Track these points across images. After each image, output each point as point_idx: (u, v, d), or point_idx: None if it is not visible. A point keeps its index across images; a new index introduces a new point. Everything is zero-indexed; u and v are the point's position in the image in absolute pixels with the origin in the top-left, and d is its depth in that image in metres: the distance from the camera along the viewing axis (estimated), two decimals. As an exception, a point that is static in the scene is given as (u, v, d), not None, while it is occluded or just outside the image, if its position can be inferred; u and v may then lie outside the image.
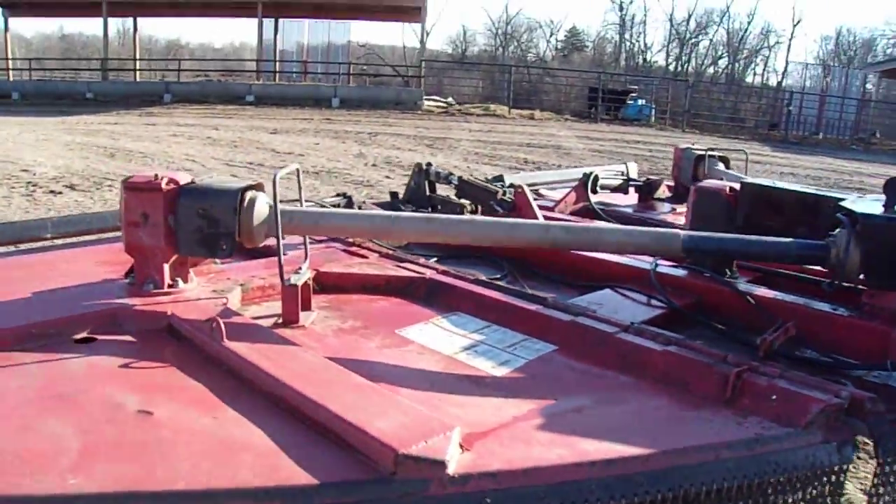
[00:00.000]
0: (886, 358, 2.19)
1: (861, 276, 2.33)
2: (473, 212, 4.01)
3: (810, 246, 2.41)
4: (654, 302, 2.65)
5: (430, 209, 4.12)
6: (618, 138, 19.03)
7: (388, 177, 9.14)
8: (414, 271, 2.84)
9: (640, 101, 34.22)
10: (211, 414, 1.72)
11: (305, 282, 2.38)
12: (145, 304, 2.30)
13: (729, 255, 2.65)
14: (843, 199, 2.62)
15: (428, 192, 4.19)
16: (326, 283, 2.72)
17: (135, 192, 2.32)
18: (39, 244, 3.07)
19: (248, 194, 2.33)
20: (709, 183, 3.20)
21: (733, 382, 1.94)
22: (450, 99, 26.18)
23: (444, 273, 2.81)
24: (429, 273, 2.80)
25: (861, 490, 1.89)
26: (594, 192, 4.64)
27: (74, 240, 3.17)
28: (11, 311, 2.18)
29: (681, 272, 2.83)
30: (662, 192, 5.24)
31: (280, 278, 2.32)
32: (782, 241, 2.46)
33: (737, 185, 3.00)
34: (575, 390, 2.01)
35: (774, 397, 1.90)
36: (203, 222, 2.29)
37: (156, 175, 2.34)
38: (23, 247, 3.13)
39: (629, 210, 4.76)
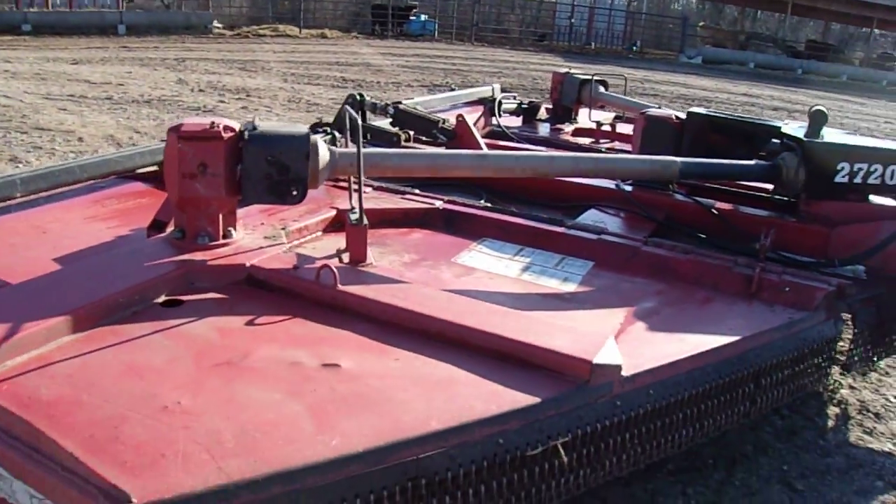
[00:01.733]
0: (827, 254, 2.84)
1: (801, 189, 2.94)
2: (408, 140, 4.12)
3: (766, 167, 2.98)
4: (637, 219, 3.08)
5: (366, 138, 4.14)
6: (419, 54, 19.33)
7: (222, 101, 8.66)
8: (422, 202, 2.98)
9: (422, 17, 34.64)
10: (390, 357, 1.83)
11: (363, 221, 2.44)
12: (215, 259, 2.23)
13: (712, 177, 3.14)
14: (774, 126, 3.22)
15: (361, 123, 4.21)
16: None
17: (192, 141, 2.19)
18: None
19: (312, 139, 2.32)
20: (656, 112, 3.66)
21: (757, 280, 2.44)
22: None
23: (452, 202, 2.99)
24: (437, 203, 2.97)
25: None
26: (499, 115, 4.95)
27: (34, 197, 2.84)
28: (77, 284, 2.01)
29: (648, 192, 3.27)
30: (542, 113, 5.71)
31: (352, 220, 2.33)
32: (748, 164, 3.01)
33: (682, 114, 3.49)
34: (638, 298, 2.38)
35: (787, 289, 2.44)
36: (272, 170, 2.24)
37: (212, 123, 2.23)
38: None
39: (531, 132, 5.14)
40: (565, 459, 1.68)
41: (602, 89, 5.33)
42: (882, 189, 2.90)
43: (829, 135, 2.98)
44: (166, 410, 1.52)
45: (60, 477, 1.36)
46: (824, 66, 26.04)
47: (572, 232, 2.77)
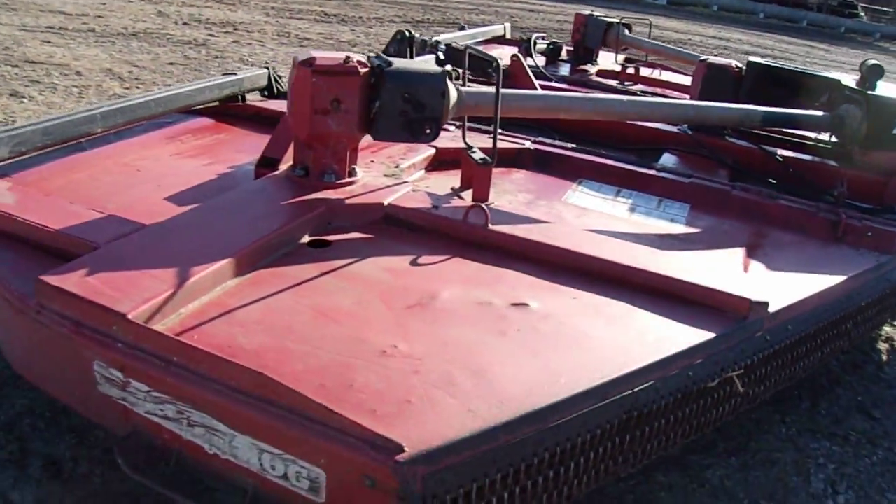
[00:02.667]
0: (883, 202, 3.01)
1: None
2: (457, 79, 4.08)
3: (832, 117, 3.10)
4: (709, 163, 3.17)
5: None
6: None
7: (211, 35, 8.32)
8: (512, 142, 3.00)
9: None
10: (567, 296, 1.89)
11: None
12: (351, 197, 2.24)
13: (785, 125, 3.22)
14: (832, 79, 3.33)
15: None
16: (445, 160, 2.80)
17: (327, 76, 2.16)
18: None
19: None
20: (715, 60, 3.71)
21: (843, 225, 2.59)
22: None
23: (540, 143, 3.03)
24: (527, 144, 3.00)
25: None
26: (534, 55, 4.94)
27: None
28: (222, 226, 1.99)
29: (713, 137, 3.36)
30: (563, 54, 5.71)
31: (478, 159, 2.36)
32: (816, 114, 3.13)
33: (741, 64, 3.56)
34: (744, 240, 2.49)
35: (870, 233, 2.59)
36: (409, 107, 2.23)
37: (347, 57, 2.20)
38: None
39: (555, 72, 5.13)
40: (741, 389, 1.81)
41: (627, 32, 5.35)
42: None
43: (882, 88, 3.12)
44: (386, 355, 1.54)
45: (305, 429, 1.32)
46: (786, 10, 26.39)
47: (665, 175, 2.86)
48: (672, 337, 1.75)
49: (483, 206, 2.14)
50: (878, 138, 3.05)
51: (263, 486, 1.44)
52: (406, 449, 1.27)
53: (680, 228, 2.53)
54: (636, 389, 1.58)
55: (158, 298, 1.58)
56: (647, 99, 2.92)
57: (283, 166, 2.42)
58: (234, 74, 3.32)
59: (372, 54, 2.33)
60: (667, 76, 5.28)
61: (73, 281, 1.61)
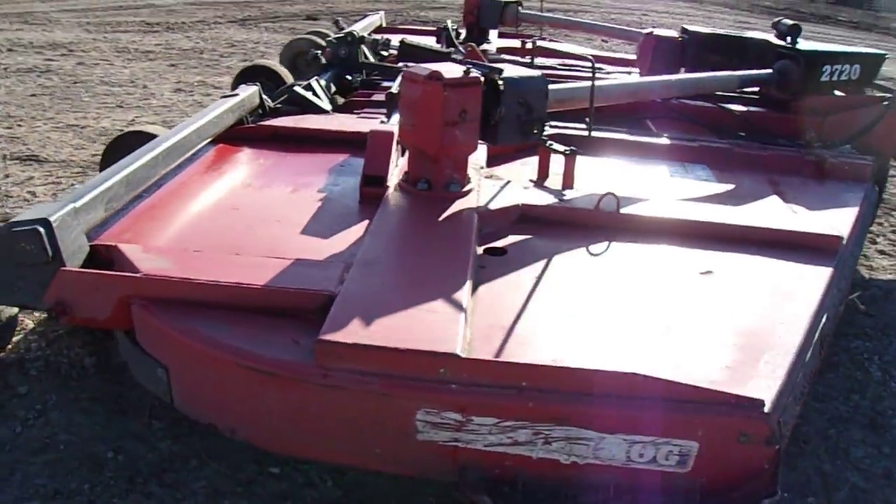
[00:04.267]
0: (821, 140, 3.61)
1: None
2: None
3: (775, 74, 3.61)
4: (687, 125, 3.55)
5: (362, 75, 4.05)
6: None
7: (51, 59, 7.12)
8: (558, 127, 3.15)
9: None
10: (720, 258, 2.16)
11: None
12: (487, 203, 2.30)
13: (751, 85, 3.65)
14: (763, 40, 3.86)
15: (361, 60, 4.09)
16: (492, 155, 2.89)
17: (456, 88, 2.19)
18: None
19: None
20: (660, 32, 4.09)
21: (829, 164, 3.11)
22: None
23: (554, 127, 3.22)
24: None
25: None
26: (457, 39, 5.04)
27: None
28: (420, 252, 2.02)
29: (679, 104, 3.73)
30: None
31: (565, 151, 2.51)
32: (764, 73, 3.62)
33: (680, 33, 4.00)
34: (768, 188, 2.90)
35: (847, 167, 3.15)
36: (522, 111, 2.33)
37: (467, 69, 2.24)
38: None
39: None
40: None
41: (519, 9, 5.64)
42: (847, 84, 3.72)
43: (803, 44, 3.72)
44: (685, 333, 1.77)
45: (680, 412, 1.50)
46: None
47: (677, 142, 3.20)
48: (812, 274, 2.10)
49: (612, 193, 2.31)
50: (812, 85, 3.61)
51: (625, 476, 1.55)
52: (766, 402, 1.51)
53: (719, 187, 2.86)
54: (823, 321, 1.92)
55: (462, 333, 1.59)
56: (680, 77, 3.19)
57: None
58: (236, 95, 3.10)
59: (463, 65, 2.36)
60: (567, 47, 5.67)
61: (363, 334, 1.56)
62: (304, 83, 3.55)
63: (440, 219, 2.19)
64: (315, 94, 3.50)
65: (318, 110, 3.38)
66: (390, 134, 2.47)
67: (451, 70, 2.23)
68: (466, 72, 2.23)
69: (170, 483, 1.95)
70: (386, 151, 2.42)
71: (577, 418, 1.50)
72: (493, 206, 2.30)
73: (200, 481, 1.96)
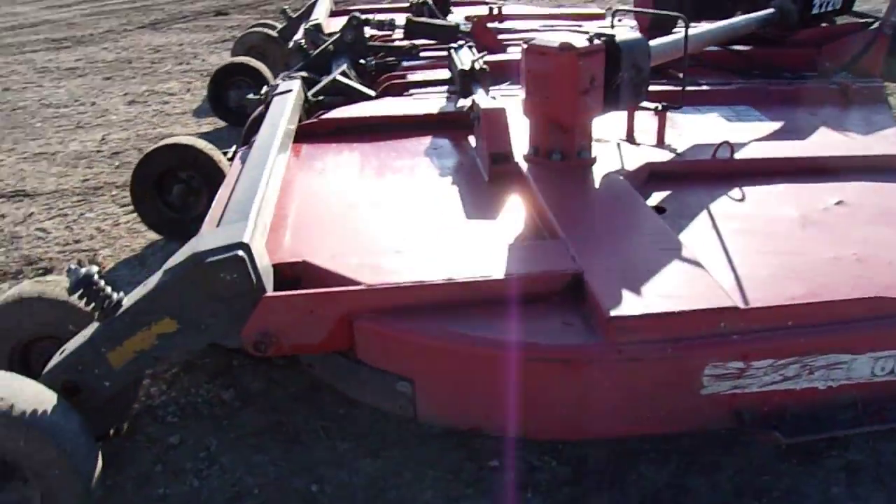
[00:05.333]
0: (816, 67, 3.89)
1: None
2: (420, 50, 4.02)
3: (776, 13, 3.82)
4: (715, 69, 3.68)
5: (371, 57, 3.95)
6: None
7: None
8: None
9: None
10: (845, 188, 2.32)
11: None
12: (624, 166, 2.35)
13: (760, 27, 3.71)
14: None
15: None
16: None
17: (587, 56, 2.22)
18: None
19: None
20: None
21: (852, 90, 3.36)
22: None
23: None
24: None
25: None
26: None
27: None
28: (609, 223, 2.05)
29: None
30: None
31: (657, 108, 2.60)
32: (767, 13, 3.80)
33: None
34: (816, 120, 3.11)
35: (866, 91, 3.41)
36: (634, 73, 2.38)
37: (591, 37, 2.26)
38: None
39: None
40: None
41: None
42: (832, 14, 4.00)
43: None
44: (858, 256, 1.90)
45: None
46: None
47: (718, 87, 3.35)
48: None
49: (727, 141, 2.41)
50: (807, 19, 3.86)
51: (870, 390, 1.69)
52: None
53: (774, 124, 3.01)
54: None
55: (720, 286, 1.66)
56: (719, 25, 3.28)
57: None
58: (289, 92, 2.97)
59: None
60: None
61: (644, 305, 1.59)
62: (339, 71, 3.43)
63: (598, 186, 2.22)
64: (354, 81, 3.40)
65: (364, 97, 3.28)
66: (504, 110, 2.46)
67: (576, 39, 2.24)
68: (590, 40, 2.26)
69: (394, 499, 1.90)
70: (505, 128, 2.41)
71: (836, 345, 1.63)
72: (628, 167, 2.36)
73: (425, 492, 1.91)
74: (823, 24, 3.96)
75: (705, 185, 2.34)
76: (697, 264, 1.75)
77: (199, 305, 1.64)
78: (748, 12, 3.86)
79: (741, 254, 1.89)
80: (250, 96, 4.18)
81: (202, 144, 3.13)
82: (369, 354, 1.69)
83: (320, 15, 5.09)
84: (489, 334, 1.60)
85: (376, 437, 2.09)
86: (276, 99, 2.94)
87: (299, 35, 4.99)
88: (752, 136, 2.82)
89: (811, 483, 1.89)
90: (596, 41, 2.26)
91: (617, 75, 2.33)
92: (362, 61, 3.85)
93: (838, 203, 2.21)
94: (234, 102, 4.61)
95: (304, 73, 3.62)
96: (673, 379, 1.60)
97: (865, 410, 1.70)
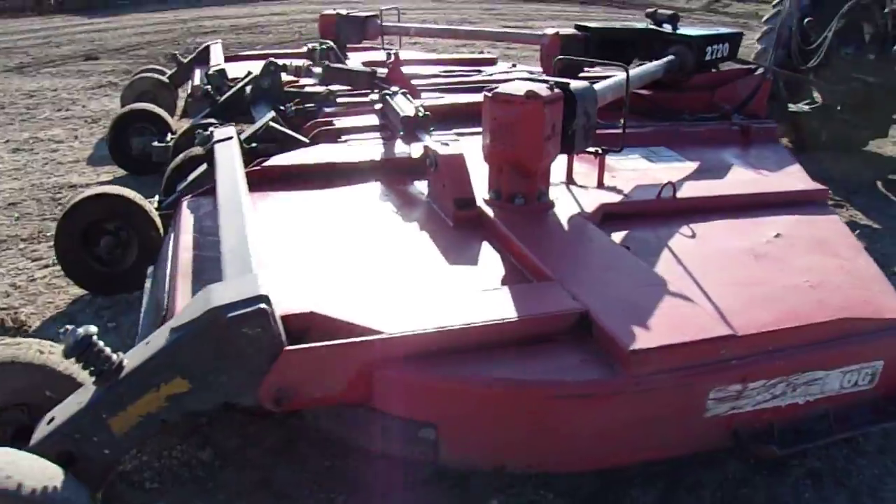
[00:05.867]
0: (712, 109, 4.28)
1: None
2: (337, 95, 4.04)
3: (675, 60, 4.20)
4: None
5: (287, 104, 3.92)
6: None
7: None
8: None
9: None
10: (777, 223, 2.58)
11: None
12: (576, 210, 2.48)
13: (667, 74, 4.04)
14: (651, 29, 4.41)
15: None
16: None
17: (551, 104, 2.34)
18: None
19: None
20: (565, 31, 4.42)
21: (752, 131, 3.72)
22: None
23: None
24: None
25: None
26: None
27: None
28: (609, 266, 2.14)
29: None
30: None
31: (606, 151, 2.78)
32: (668, 61, 4.16)
33: (584, 32, 4.41)
34: (726, 158, 3.43)
35: (762, 132, 3.78)
36: (585, 119, 2.52)
37: (550, 85, 2.39)
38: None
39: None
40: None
41: (378, 22, 5.72)
42: (721, 60, 4.39)
43: (684, 29, 4.34)
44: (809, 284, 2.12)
45: (874, 340, 1.88)
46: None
47: (638, 130, 3.60)
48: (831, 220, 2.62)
49: (671, 182, 2.61)
50: (702, 65, 4.22)
51: (836, 402, 1.89)
52: None
53: (692, 164, 3.26)
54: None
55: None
56: (636, 71, 3.50)
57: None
58: (230, 139, 2.88)
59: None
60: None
61: (655, 337, 1.68)
62: (269, 117, 3.38)
63: (567, 228, 2.33)
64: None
65: (299, 144, 3.25)
66: (463, 157, 2.52)
67: (538, 88, 2.36)
68: (551, 88, 2.39)
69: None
70: (466, 173, 2.47)
71: (814, 363, 1.82)
72: (586, 210, 2.49)
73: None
74: (713, 70, 4.37)
75: (656, 224, 2.51)
76: (686, 298, 1.88)
77: (215, 363, 1.55)
78: (645, 59, 4.21)
79: (711, 286, 2.04)
80: (156, 143, 4.13)
81: (132, 194, 2.97)
82: (389, 403, 1.66)
83: (220, 60, 4.99)
84: (514, 375, 1.63)
85: (374, 486, 2.05)
86: (219, 146, 2.85)
87: (197, 80, 4.89)
88: (677, 175, 3.05)
89: (784, 490, 2.07)
90: (556, 89, 2.39)
91: (573, 122, 2.47)
92: (282, 108, 3.82)
93: (777, 236, 2.45)
94: (136, 150, 4.42)
95: (211, 120, 3.55)
96: (682, 405, 1.71)
97: (835, 420, 1.89)
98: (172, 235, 2.57)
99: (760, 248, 2.36)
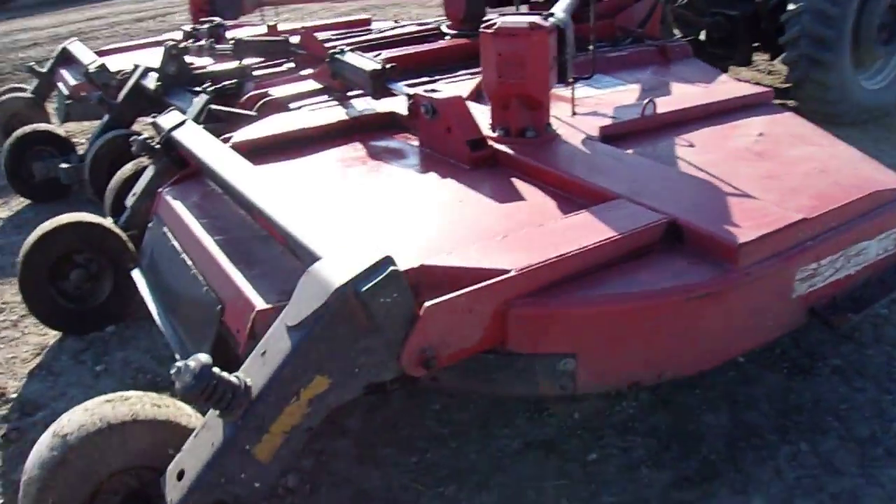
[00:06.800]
0: (616, 34, 4.45)
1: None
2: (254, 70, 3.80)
3: None
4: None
5: (207, 83, 3.62)
6: None
7: None
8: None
9: None
10: (763, 123, 2.76)
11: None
12: (578, 129, 2.52)
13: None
14: None
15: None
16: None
17: (552, 33, 2.35)
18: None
19: None
20: None
21: (669, 50, 3.92)
22: None
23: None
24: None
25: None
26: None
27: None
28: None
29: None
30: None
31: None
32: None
33: None
34: (664, 75, 3.60)
35: (678, 49, 4.00)
36: (571, 49, 2.52)
37: (545, 16, 2.38)
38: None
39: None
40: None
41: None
42: None
43: None
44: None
45: None
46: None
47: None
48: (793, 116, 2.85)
49: (651, 99, 2.70)
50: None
51: (874, 268, 2.09)
52: None
53: (636, 86, 3.37)
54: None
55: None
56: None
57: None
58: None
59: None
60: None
61: (747, 230, 1.77)
62: (205, 100, 3.11)
63: (589, 153, 2.36)
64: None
65: (248, 119, 3.01)
66: (462, 98, 2.47)
67: (536, 19, 2.35)
68: (545, 19, 2.38)
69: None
70: (470, 114, 2.43)
71: (862, 235, 2.00)
72: (590, 134, 2.53)
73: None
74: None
75: (653, 139, 2.60)
76: (743, 193, 1.99)
77: (353, 346, 1.43)
78: None
79: (744, 183, 2.14)
80: (64, 165, 3.74)
81: (107, 222, 2.69)
82: (525, 342, 1.63)
83: (93, 57, 4.47)
84: (647, 287, 1.65)
85: (476, 468, 2.05)
86: (179, 133, 2.57)
87: (71, 81, 4.41)
88: (633, 97, 3.17)
89: (823, 389, 2.27)
90: (551, 20, 2.39)
91: (564, 52, 2.48)
92: (197, 89, 3.53)
93: (760, 135, 2.62)
94: (40, 175, 3.99)
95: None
96: (778, 289, 1.83)
97: (877, 285, 2.10)
98: (167, 229, 2.32)
99: (755, 147, 2.51)
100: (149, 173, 2.74)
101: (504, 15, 2.48)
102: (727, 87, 3.25)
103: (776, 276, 1.80)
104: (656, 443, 2.10)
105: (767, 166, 2.33)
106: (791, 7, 4.73)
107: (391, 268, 1.45)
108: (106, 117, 3.83)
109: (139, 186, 2.75)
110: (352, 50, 3.22)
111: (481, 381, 1.69)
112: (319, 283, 1.44)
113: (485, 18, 4.50)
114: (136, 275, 2.46)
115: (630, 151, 2.46)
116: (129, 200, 2.76)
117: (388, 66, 2.87)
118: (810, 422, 2.13)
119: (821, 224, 1.89)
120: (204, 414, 1.47)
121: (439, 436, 2.17)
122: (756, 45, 5.64)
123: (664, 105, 2.84)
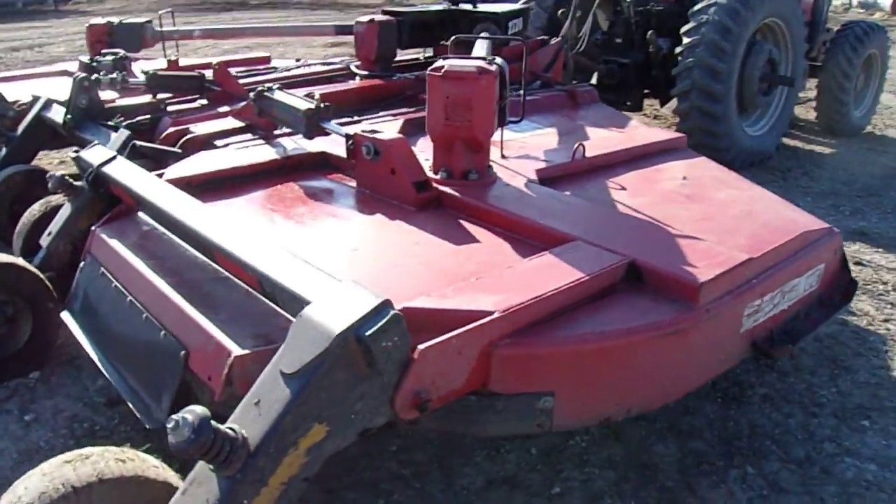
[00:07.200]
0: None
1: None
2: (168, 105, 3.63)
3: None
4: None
5: (120, 117, 3.43)
6: None
7: None
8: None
9: None
10: (678, 168, 2.94)
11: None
12: (515, 174, 2.59)
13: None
14: (465, 10, 4.59)
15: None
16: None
17: (497, 78, 2.39)
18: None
19: None
20: (380, 18, 4.35)
21: (579, 95, 4.11)
22: None
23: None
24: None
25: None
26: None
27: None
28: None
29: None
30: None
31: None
32: (500, 38, 4.37)
33: (392, 18, 4.42)
34: (579, 118, 3.77)
35: (586, 94, 4.20)
36: (508, 93, 2.59)
37: (490, 60, 2.43)
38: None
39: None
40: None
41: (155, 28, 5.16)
42: (518, 33, 4.70)
43: (482, 6, 4.64)
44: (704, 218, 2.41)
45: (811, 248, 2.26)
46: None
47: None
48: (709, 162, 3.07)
49: (581, 144, 2.82)
50: (507, 38, 4.52)
51: (801, 303, 2.26)
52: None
53: (553, 129, 3.50)
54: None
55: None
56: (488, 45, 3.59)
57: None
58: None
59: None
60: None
61: (702, 270, 1.86)
62: (125, 136, 2.92)
63: (533, 196, 2.40)
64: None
65: (173, 156, 2.86)
66: (406, 140, 2.47)
67: (482, 63, 2.40)
68: (489, 62, 2.43)
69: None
70: (414, 155, 2.43)
71: (794, 272, 2.16)
72: (529, 177, 2.59)
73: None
74: (520, 41, 4.70)
75: (583, 181, 2.71)
76: (689, 235, 2.09)
77: (351, 392, 1.37)
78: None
79: (685, 224, 2.26)
80: None
81: (21, 262, 2.46)
82: (507, 382, 1.62)
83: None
84: (619, 326, 1.70)
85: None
86: (111, 168, 2.41)
87: None
88: (553, 141, 3.28)
89: (756, 416, 2.43)
90: (494, 64, 2.44)
91: (505, 96, 2.54)
92: (111, 123, 3.33)
93: (684, 178, 2.78)
94: None
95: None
96: (730, 325, 1.93)
97: (804, 318, 2.27)
98: (105, 270, 2.15)
99: (682, 189, 2.67)
100: (65, 211, 2.54)
101: (446, 58, 2.51)
102: (642, 131, 3.45)
103: (729, 312, 1.90)
104: (614, 473, 2.14)
105: (699, 208, 2.48)
106: (682, 61, 5.11)
107: (392, 312, 1.41)
108: (2, 150, 3.52)
109: (55, 225, 2.54)
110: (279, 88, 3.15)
111: (464, 422, 1.66)
112: (316, 328, 1.38)
113: (395, 59, 4.64)
114: (67, 317, 2.26)
115: (567, 193, 2.55)
116: (45, 240, 2.54)
117: (322, 105, 2.83)
118: (751, 447, 2.25)
119: (762, 263, 2.03)
120: (178, 466, 1.35)
121: (401, 476, 2.12)
122: (647, 91, 6.07)
123: (591, 149, 2.98)
